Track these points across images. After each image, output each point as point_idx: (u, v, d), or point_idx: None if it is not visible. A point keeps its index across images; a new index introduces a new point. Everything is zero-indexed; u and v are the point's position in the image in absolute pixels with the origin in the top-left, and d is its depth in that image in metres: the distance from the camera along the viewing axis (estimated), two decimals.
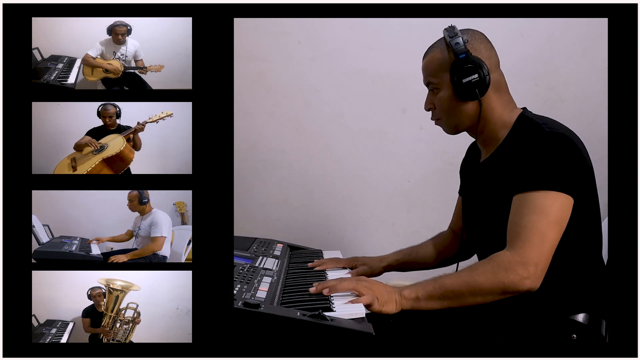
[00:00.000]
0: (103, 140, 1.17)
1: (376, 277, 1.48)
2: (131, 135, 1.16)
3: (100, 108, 1.12)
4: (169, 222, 1.15)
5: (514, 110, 1.30)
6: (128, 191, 1.12)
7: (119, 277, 1.08)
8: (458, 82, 1.23)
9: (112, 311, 1.08)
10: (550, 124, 1.21)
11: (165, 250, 1.15)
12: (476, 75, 1.22)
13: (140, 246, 1.15)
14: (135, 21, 1.13)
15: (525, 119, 1.25)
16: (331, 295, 1.15)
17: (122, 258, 1.12)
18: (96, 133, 1.16)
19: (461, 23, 1.28)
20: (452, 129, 1.33)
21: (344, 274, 1.45)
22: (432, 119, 1.35)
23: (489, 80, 1.23)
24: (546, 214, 1.11)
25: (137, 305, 1.09)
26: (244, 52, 2.07)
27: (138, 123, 1.15)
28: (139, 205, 1.13)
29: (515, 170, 1.18)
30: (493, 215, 1.23)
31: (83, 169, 1.14)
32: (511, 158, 1.21)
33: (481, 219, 1.34)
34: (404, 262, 1.57)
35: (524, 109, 1.32)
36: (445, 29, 1.28)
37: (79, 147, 1.15)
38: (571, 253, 1.19)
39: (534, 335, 1.19)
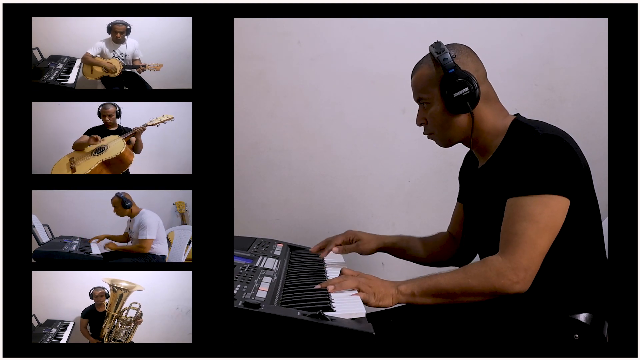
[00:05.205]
0: (103, 141, 1.16)
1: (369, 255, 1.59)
2: (132, 138, 1.16)
3: (100, 108, 1.12)
4: (157, 222, 1.14)
5: (506, 117, 1.32)
6: (129, 191, 1.12)
7: (123, 278, 1.09)
8: (449, 96, 1.26)
9: (114, 310, 1.08)
10: (543, 127, 1.22)
11: (161, 250, 1.15)
12: (467, 89, 1.25)
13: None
14: (136, 21, 1.13)
15: (519, 124, 1.27)
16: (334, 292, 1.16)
17: (113, 246, 1.14)
18: (96, 133, 1.16)
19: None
20: (446, 142, 1.36)
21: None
22: (424, 133, 1.38)
23: (479, 93, 1.26)
24: (536, 221, 1.14)
25: (140, 306, 1.09)
26: (244, 52, 2.07)
27: (137, 127, 1.15)
28: (124, 209, 1.13)
29: (509, 174, 1.19)
30: (492, 220, 1.25)
31: (82, 169, 1.14)
32: (507, 163, 1.23)
33: (481, 224, 1.36)
34: (399, 248, 1.59)
35: (517, 114, 1.33)
36: (431, 45, 1.30)
37: (78, 146, 1.15)
38: (571, 253, 1.20)
39: (535, 335, 1.20)
